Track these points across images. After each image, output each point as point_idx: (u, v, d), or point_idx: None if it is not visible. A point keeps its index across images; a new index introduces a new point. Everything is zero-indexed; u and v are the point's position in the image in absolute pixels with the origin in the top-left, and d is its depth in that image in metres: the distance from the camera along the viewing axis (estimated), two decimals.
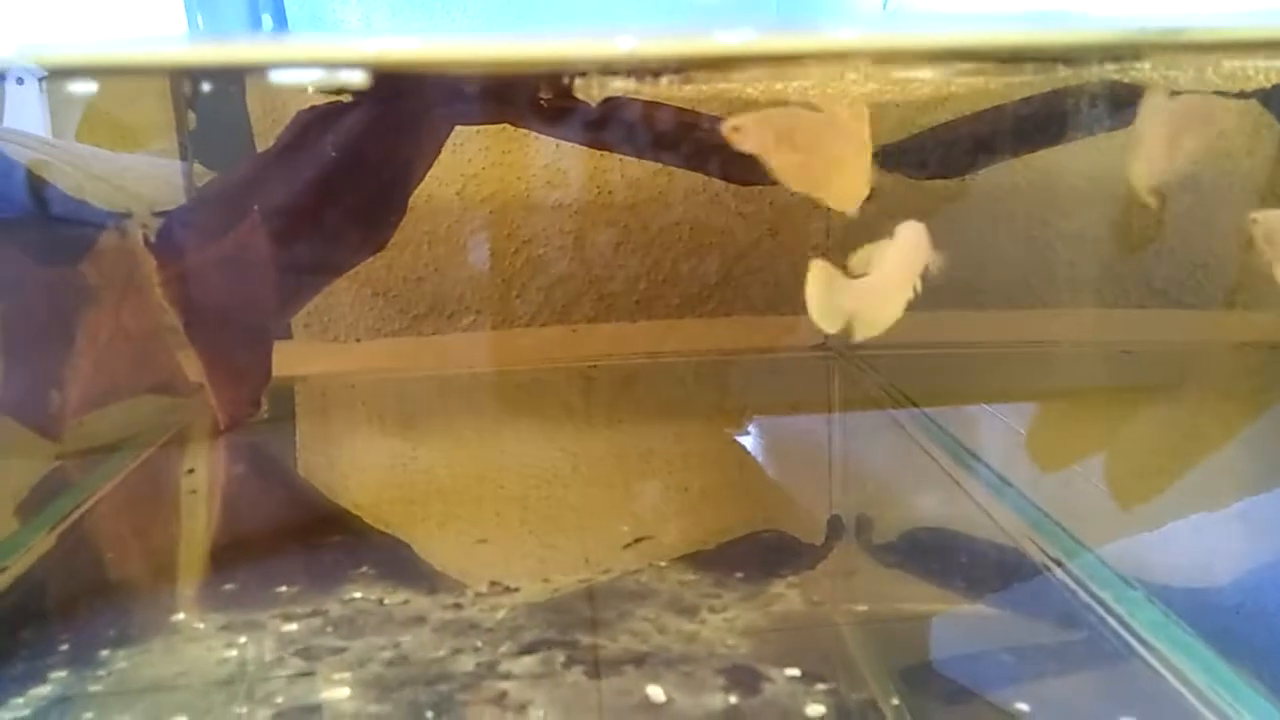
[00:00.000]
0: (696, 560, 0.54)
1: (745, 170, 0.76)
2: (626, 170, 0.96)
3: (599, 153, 0.94)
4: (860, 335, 0.51)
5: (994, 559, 0.56)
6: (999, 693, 0.42)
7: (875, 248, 0.50)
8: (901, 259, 0.50)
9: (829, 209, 0.87)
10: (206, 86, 0.83)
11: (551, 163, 0.96)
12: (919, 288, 0.51)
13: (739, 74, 0.47)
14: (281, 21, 0.89)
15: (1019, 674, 0.44)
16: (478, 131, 0.95)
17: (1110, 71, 0.52)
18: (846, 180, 0.49)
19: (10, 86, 0.73)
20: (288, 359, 0.87)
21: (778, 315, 1.00)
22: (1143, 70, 0.45)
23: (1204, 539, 0.59)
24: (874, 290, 0.51)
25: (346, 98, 0.72)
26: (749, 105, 0.75)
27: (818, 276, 0.50)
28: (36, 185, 0.70)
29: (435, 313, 0.99)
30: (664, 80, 0.47)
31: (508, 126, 0.92)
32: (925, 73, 0.46)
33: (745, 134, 0.47)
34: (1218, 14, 0.33)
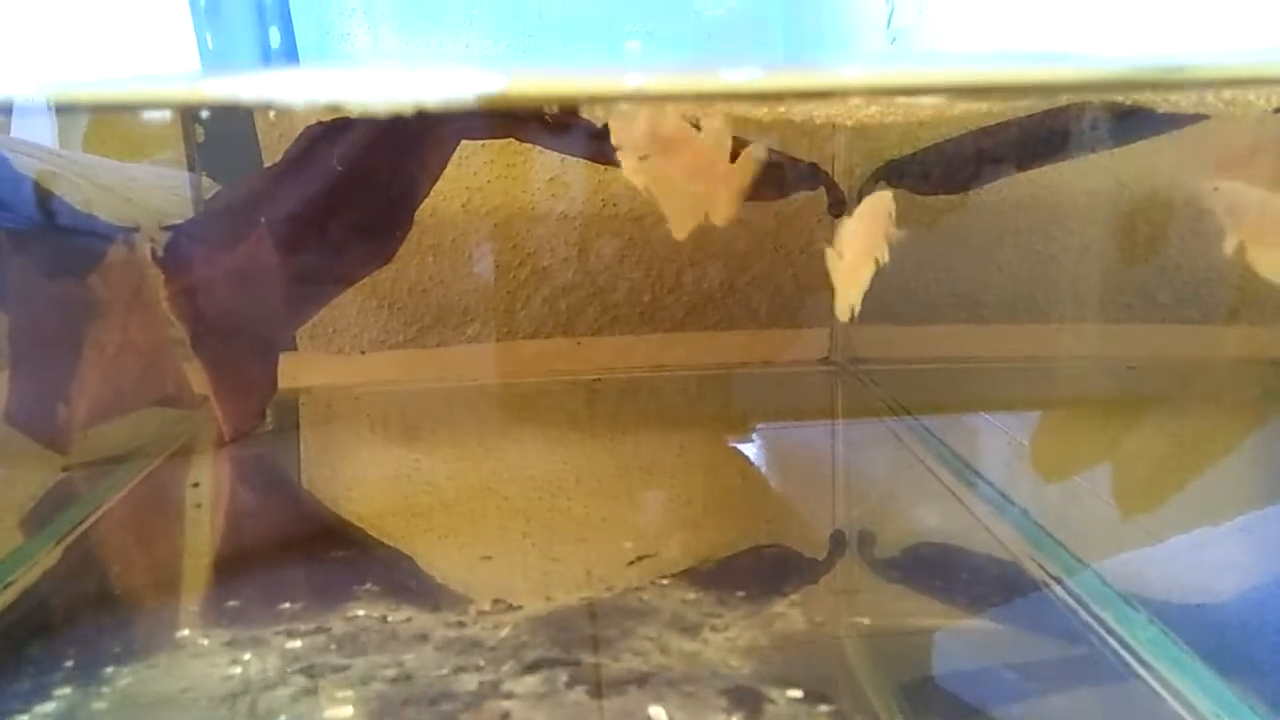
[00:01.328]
0: (699, 577, 0.54)
1: (751, 187, 0.76)
2: (630, 182, 0.97)
3: (603, 166, 0.95)
4: (839, 314, 0.51)
5: (996, 575, 0.56)
6: (1001, 710, 0.42)
7: (842, 226, 0.51)
8: (863, 230, 0.50)
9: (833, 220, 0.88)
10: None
11: (556, 175, 0.97)
12: (883, 259, 0.51)
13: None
14: (290, 37, 0.90)
15: (1021, 691, 0.44)
16: (483, 145, 0.95)
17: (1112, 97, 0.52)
18: (693, 203, 0.50)
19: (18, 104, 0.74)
20: (292, 370, 0.87)
21: (781, 329, 1.00)
22: (1143, 98, 0.45)
23: (1205, 554, 0.59)
24: (846, 268, 0.51)
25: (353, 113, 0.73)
26: (754, 125, 0.75)
27: (831, 264, 0.51)
28: (45, 197, 0.70)
29: (440, 325, 0.99)
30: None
31: (513, 140, 0.92)
32: (930, 101, 0.46)
33: (625, 131, 0.47)
34: (1215, 51, 0.33)
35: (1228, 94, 0.44)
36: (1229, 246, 0.48)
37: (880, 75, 0.32)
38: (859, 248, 0.48)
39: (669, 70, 0.32)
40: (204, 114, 0.86)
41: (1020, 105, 0.61)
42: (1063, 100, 0.59)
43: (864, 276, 0.49)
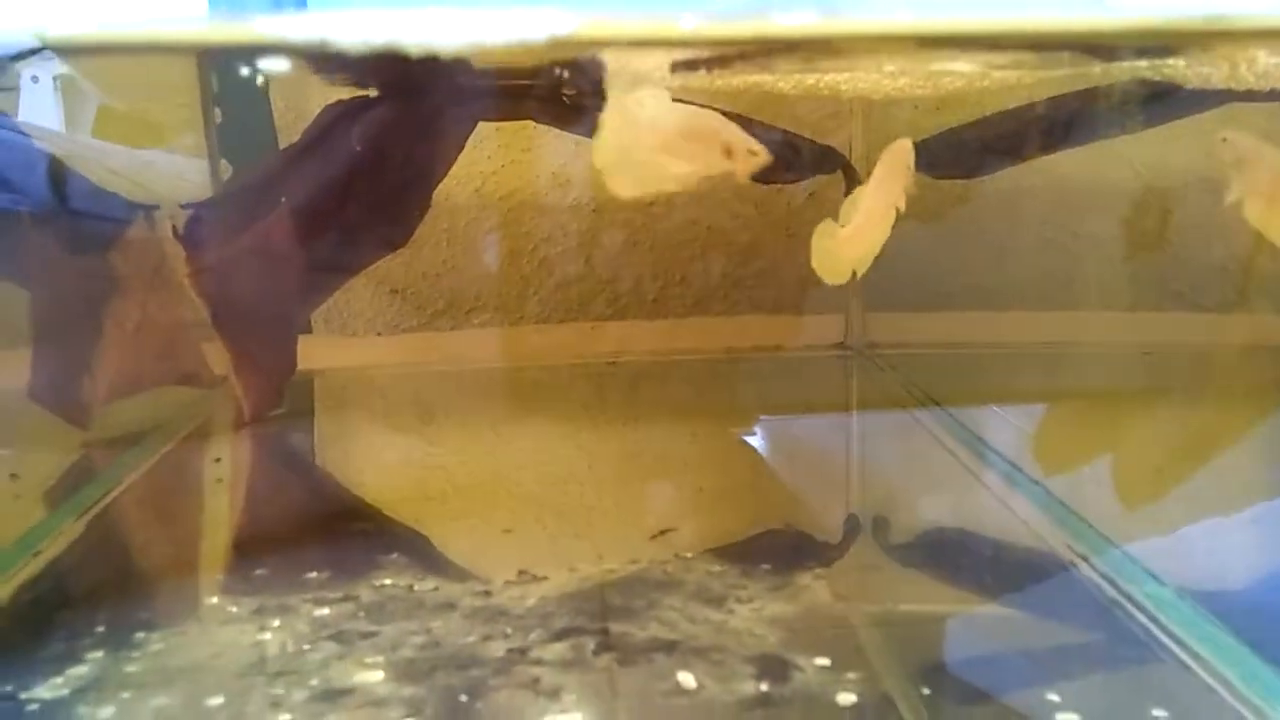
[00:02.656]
0: (720, 553, 0.55)
1: (767, 170, 0.77)
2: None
3: None
4: (858, 269, 0.52)
5: (1019, 557, 0.56)
6: (1032, 688, 0.42)
7: (852, 195, 0.52)
8: (884, 179, 0.51)
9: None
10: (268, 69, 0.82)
11: (569, 160, 0.97)
12: (902, 207, 0.52)
13: (786, 65, 0.47)
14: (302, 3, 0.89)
15: (1051, 669, 0.44)
16: (497, 129, 0.95)
17: (1141, 69, 0.52)
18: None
19: (25, 84, 0.74)
20: (307, 353, 0.87)
21: (796, 314, 1.01)
22: (1175, 68, 0.45)
23: (1228, 540, 0.59)
24: (863, 218, 0.52)
25: (372, 93, 0.73)
26: (779, 100, 0.75)
27: (821, 231, 0.52)
28: (63, 177, 0.70)
29: (453, 309, 0.99)
30: (700, 73, 0.47)
31: (528, 124, 0.92)
32: (960, 65, 0.46)
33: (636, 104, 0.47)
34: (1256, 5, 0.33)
35: (1263, 63, 0.44)
36: (1230, 197, 0.48)
37: (932, 23, 0.32)
38: (879, 199, 0.49)
39: (730, 15, 0.32)
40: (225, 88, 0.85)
41: (1056, 74, 0.60)
42: (1094, 77, 0.59)
43: (883, 230, 0.49)
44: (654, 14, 0.33)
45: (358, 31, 0.32)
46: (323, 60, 0.46)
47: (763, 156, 0.47)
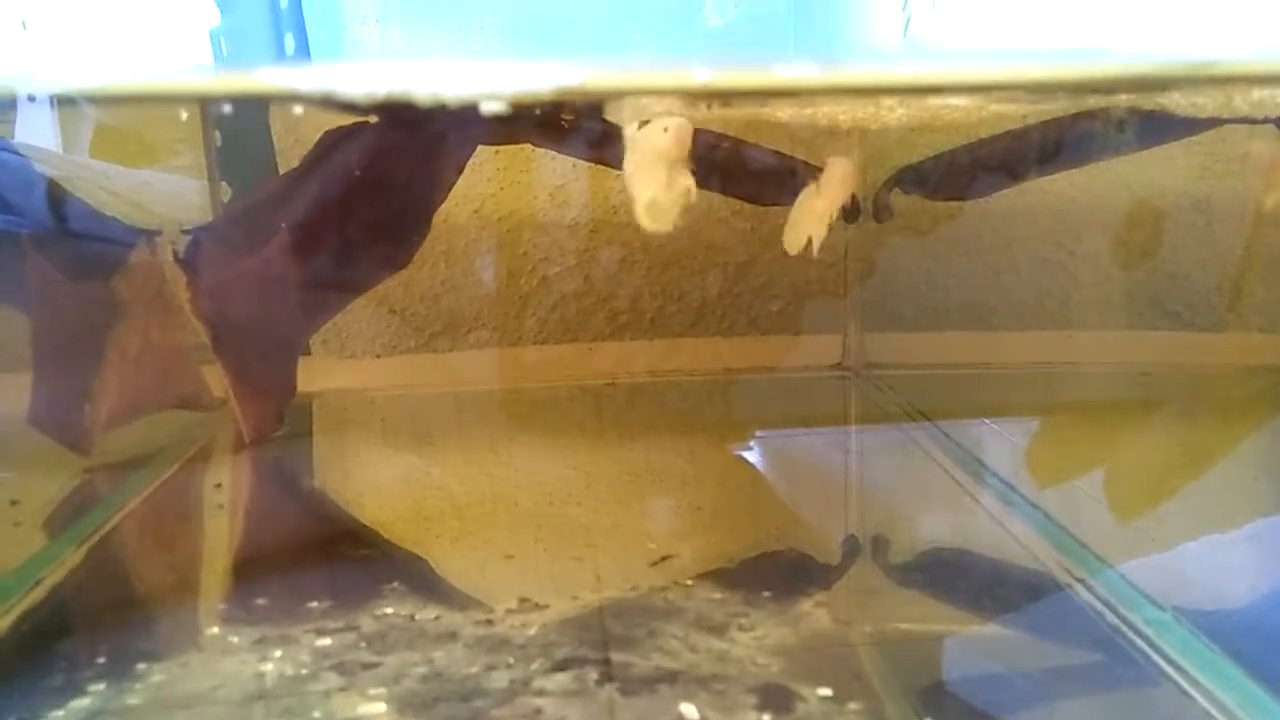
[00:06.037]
0: (719, 578, 0.55)
1: (766, 192, 0.77)
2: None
3: (615, 172, 0.95)
4: (792, 246, 0.57)
5: (1018, 577, 0.56)
6: (1032, 710, 0.42)
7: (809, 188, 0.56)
8: (827, 182, 0.54)
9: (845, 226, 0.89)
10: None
11: (568, 182, 0.97)
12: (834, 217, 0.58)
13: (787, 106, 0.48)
14: (303, 42, 0.90)
15: (1049, 693, 0.44)
16: (496, 151, 0.96)
17: (1134, 100, 0.53)
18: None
19: (22, 104, 0.74)
20: (306, 375, 0.87)
21: (794, 334, 1.01)
22: (1169, 99, 0.46)
23: (1225, 559, 0.59)
24: (799, 213, 0.58)
25: (372, 118, 0.73)
26: (777, 128, 0.76)
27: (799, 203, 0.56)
28: (63, 199, 0.71)
29: (451, 330, 1.00)
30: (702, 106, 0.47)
31: (526, 146, 0.93)
32: (958, 101, 0.47)
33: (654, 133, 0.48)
34: (1243, 48, 0.33)
35: (1256, 95, 0.45)
36: (1269, 202, 0.49)
37: (928, 73, 0.32)
38: (818, 204, 0.52)
39: (735, 66, 0.32)
40: (226, 109, 0.86)
41: (1050, 108, 0.61)
42: (1089, 103, 0.60)
43: (819, 229, 0.52)
44: (659, 64, 0.33)
45: (364, 83, 0.32)
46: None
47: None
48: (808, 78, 0.30)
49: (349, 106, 0.56)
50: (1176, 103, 0.48)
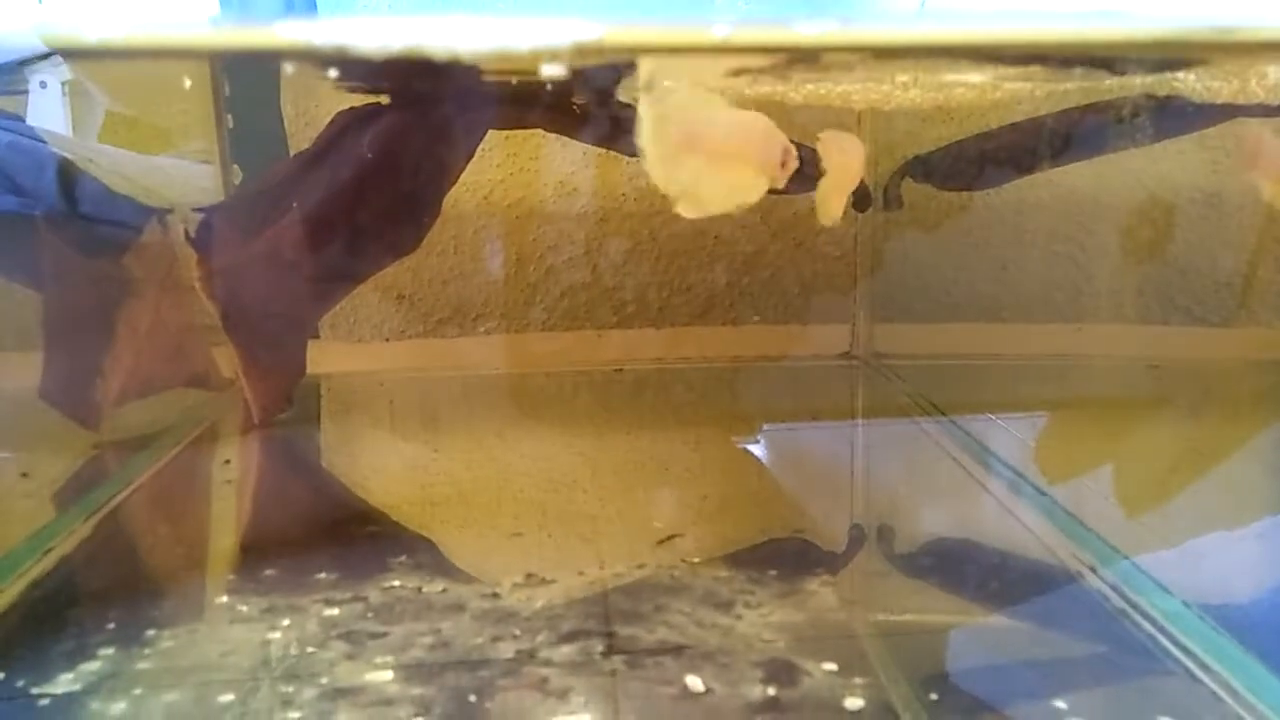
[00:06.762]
0: (724, 560, 0.55)
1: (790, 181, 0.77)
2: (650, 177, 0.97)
3: (625, 159, 0.95)
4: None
5: (1025, 566, 0.56)
6: (1038, 697, 0.42)
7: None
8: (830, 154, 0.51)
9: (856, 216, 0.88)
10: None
11: (576, 169, 0.97)
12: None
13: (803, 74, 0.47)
14: (312, 8, 0.90)
15: (1057, 677, 0.44)
16: (505, 138, 0.96)
17: (1149, 83, 0.52)
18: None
19: (34, 88, 0.75)
20: (314, 358, 0.87)
21: (802, 324, 1.01)
22: (1184, 82, 0.46)
23: (1230, 553, 0.59)
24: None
25: (384, 100, 0.73)
26: (781, 109, 0.76)
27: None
28: (74, 181, 0.71)
29: (459, 316, 1.00)
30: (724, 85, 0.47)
31: (536, 133, 0.93)
32: (973, 76, 0.47)
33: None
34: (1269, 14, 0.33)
35: (1272, 78, 0.45)
36: (1266, 193, 0.48)
37: (945, 32, 0.32)
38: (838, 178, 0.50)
39: (752, 23, 0.32)
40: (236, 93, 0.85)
41: (1064, 87, 0.61)
42: (1102, 88, 0.60)
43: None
44: (681, 21, 0.33)
45: (378, 36, 0.32)
46: (339, 65, 0.46)
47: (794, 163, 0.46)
48: (829, 34, 0.30)
49: (361, 68, 0.55)
50: (1191, 86, 0.47)
